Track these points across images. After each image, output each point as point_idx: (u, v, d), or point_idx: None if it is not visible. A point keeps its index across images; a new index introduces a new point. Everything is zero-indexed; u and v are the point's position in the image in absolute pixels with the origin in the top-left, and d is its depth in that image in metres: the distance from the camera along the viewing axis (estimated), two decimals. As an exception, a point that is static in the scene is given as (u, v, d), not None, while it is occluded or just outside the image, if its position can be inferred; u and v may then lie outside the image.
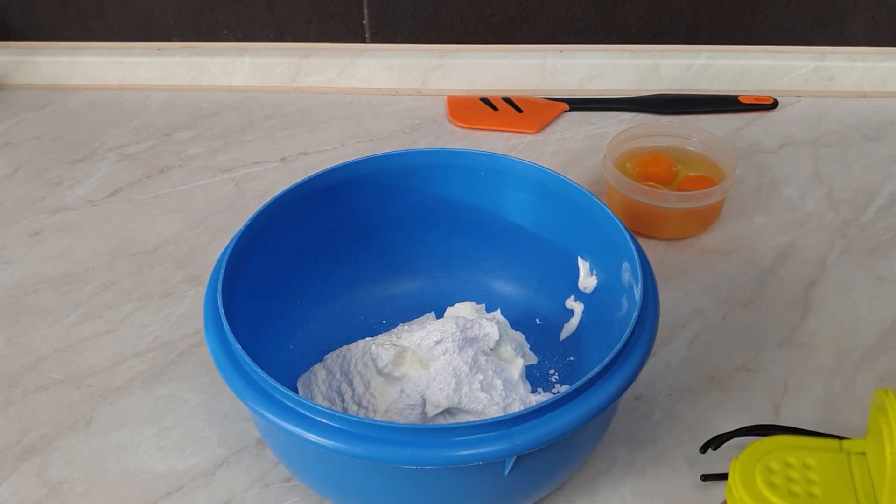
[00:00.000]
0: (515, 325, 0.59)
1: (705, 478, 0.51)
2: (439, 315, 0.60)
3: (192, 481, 0.52)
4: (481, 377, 0.52)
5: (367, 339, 0.56)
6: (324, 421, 0.42)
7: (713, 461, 0.52)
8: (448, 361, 0.52)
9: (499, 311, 0.60)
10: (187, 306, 0.65)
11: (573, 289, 0.59)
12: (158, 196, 0.77)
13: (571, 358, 0.58)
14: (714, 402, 0.57)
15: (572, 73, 0.88)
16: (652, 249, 0.68)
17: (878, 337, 0.61)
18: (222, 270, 0.49)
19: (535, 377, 0.57)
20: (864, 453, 0.33)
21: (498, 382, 0.52)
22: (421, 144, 0.82)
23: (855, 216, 0.73)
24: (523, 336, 0.59)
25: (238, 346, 0.44)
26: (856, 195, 0.75)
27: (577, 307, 0.59)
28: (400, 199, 0.60)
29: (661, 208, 0.68)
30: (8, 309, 0.65)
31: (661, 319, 0.49)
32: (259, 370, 0.43)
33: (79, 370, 0.60)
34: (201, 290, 0.66)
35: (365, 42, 0.90)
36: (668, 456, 0.53)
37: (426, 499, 0.47)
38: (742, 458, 0.32)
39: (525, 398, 0.53)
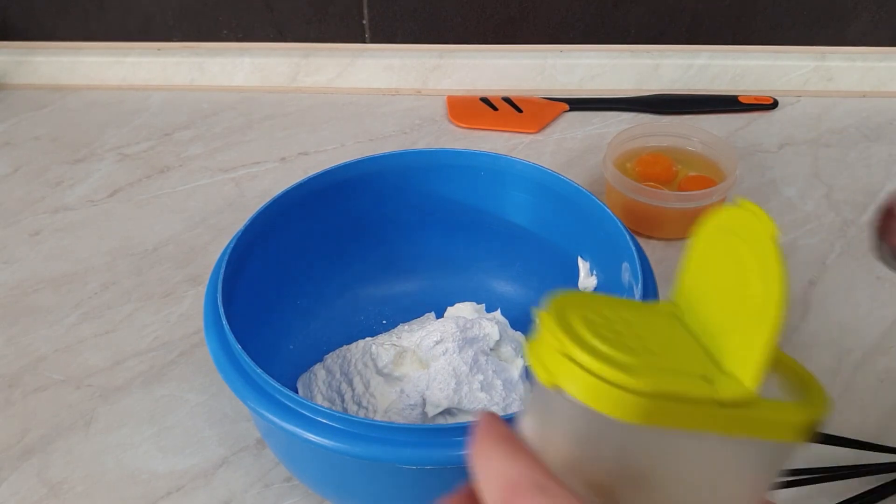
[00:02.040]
0: (515, 325, 0.59)
1: (705, 478, 0.51)
2: (439, 315, 0.60)
3: (192, 481, 0.52)
4: (481, 377, 0.52)
5: (367, 339, 0.56)
6: (324, 421, 0.42)
7: (713, 461, 0.52)
8: (448, 361, 0.52)
9: (499, 311, 0.60)
10: (187, 306, 0.65)
11: (573, 289, 0.59)
12: (158, 196, 0.77)
13: (571, 358, 0.58)
14: (714, 402, 0.57)
15: (572, 73, 0.88)
16: (652, 249, 0.68)
17: (878, 337, 0.61)
18: (222, 270, 0.49)
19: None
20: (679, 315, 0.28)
21: (498, 382, 0.52)
22: (421, 144, 0.82)
23: (855, 216, 0.73)
24: (523, 336, 0.59)
25: (238, 346, 0.44)
26: (856, 195, 0.75)
27: (577, 307, 0.59)
28: (400, 199, 0.60)
29: (661, 208, 0.68)
30: (8, 309, 0.65)
31: (661, 319, 0.49)
32: (259, 370, 0.43)
33: (79, 370, 0.60)
34: (201, 290, 0.66)
35: (365, 42, 0.90)
36: (668, 456, 0.53)
37: (426, 499, 0.47)
38: (553, 309, 0.25)
39: (525, 398, 0.53)
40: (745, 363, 0.25)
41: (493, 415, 0.26)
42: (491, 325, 0.55)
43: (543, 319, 0.25)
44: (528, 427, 0.26)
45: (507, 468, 0.24)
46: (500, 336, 0.55)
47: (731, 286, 0.26)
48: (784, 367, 0.28)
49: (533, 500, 0.23)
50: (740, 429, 0.24)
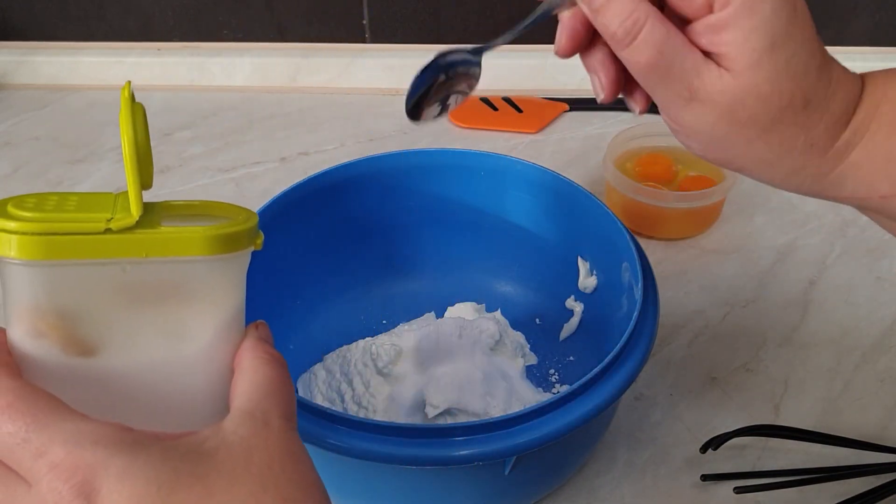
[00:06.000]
0: (515, 325, 0.59)
1: (705, 478, 0.51)
2: (439, 315, 0.60)
3: (192, 481, 0.52)
4: (481, 377, 0.52)
5: (367, 339, 0.56)
6: (324, 421, 0.42)
7: (713, 461, 0.52)
8: (448, 361, 0.52)
9: (499, 311, 0.60)
10: (187, 306, 0.65)
11: (573, 289, 0.59)
12: (158, 196, 0.76)
13: (571, 358, 0.58)
14: (714, 402, 0.57)
15: (572, 73, 0.88)
16: (652, 249, 0.68)
17: (878, 337, 0.61)
18: (222, 270, 0.48)
19: (535, 377, 0.57)
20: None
21: (498, 382, 0.52)
22: (421, 144, 0.82)
23: (855, 216, 0.72)
24: (523, 336, 0.59)
25: (238, 346, 0.44)
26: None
27: (577, 307, 0.59)
28: (400, 199, 0.60)
29: (661, 208, 0.68)
30: (8, 309, 0.65)
31: (661, 319, 0.49)
32: (259, 370, 0.43)
33: (79, 370, 0.60)
34: (201, 290, 0.66)
35: (365, 42, 0.90)
36: (668, 456, 0.53)
37: (426, 499, 0.47)
38: None
39: (525, 398, 0.53)
40: (131, 197, 0.31)
41: None
42: (491, 325, 0.55)
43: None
44: (6, 318, 0.31)
45: None
46: (500, 336, 0.55)
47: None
48: (212, 209, 0.35)
49: None
50: (139, 251, 0.30)
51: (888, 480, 0.50)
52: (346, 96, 0.90)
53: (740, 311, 0.64)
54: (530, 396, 0.53)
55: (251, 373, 0.32)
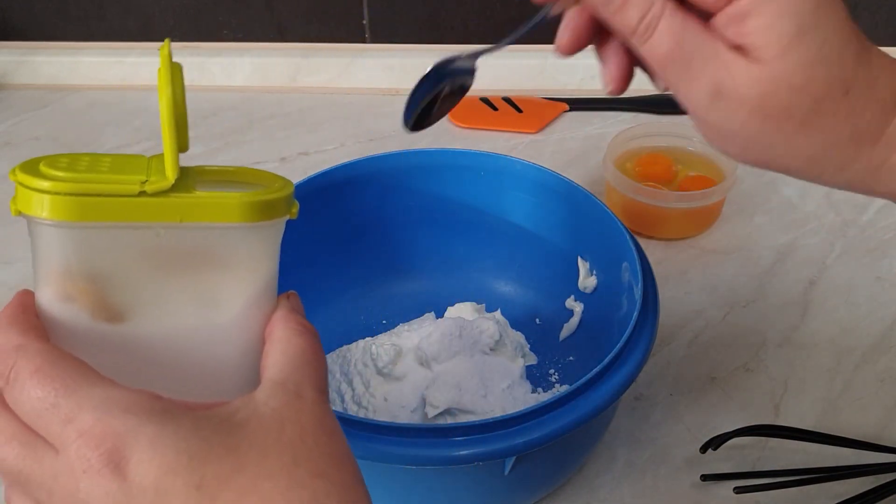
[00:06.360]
0: (515, 325, 0.59)
1: (705, 478, 0.51)
2: (439, 315, 0.60)
3: (192, 481, 0.52)
4: (481, 377, 0.52)
5: (367, 339, 0.56)
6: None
7: (713, 461, 0.52)
8: (448, 361, 0.52)
9: (499, 311, 0.60)
10: (187, 306, 0.65)
11: (573, 289, 0.59)
12: (158, 196, 0.77)
13: (571, 358, 0.58)
14: (714, 402, 0.57)
15: (572, 73, 0.88)
16: (652, 249, 0.68)
17: (878, 337, 0.61)
18: (222, 270, 0.48)
19: (535, 377, 0.57)
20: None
21: (498, 382, 0.52)
22: (421, 144, 0.82)
23: (855, 216, 0.73)
24: (523, 336, 0.59)
25: (238, 346, 0.44)
26: (856, 195, 0.74)
27: (577, 307, 0.59)
28: (400, 199, 0.60)
29: (661, 208, 0.68)
30: (8, 309, 0.65)
31: (661, 319, 0.49)
32: (259, 370, 0.43)
33: (79, 370, 0.60)
34: (201, 290, 0.66)
35: (365, 42, 0.90)
36: (668, 456, 0.53)
37: (426, 499, 0.47)
38: (28, 161, 0.30)
39: (525, 398, 0.53)
40: (167, 160, 0.30)
41: (21, 293, 0.30)
42: (491, 325, 0.55)
43: (13, 170, 0.29)
44: (35, 283, 0.30)
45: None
46: (500, 336, 0.55)
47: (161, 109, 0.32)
48: (247, 175, 0.33)
49: (10, 359, 0.28)
50: (173, 215, 0.29)
51: (888, 480, 0.50)
52: (346, 96, 0.90)
53: (740, 311, 0.64)
54: (530, 396, 0.53)
55: (284, 343, 0.31)
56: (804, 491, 0.50)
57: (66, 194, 0.28)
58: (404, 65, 0.89)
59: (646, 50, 0.34)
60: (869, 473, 0.51)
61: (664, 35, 0.33)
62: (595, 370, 0.43)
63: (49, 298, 0.30)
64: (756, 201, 0.75)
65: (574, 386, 0.43)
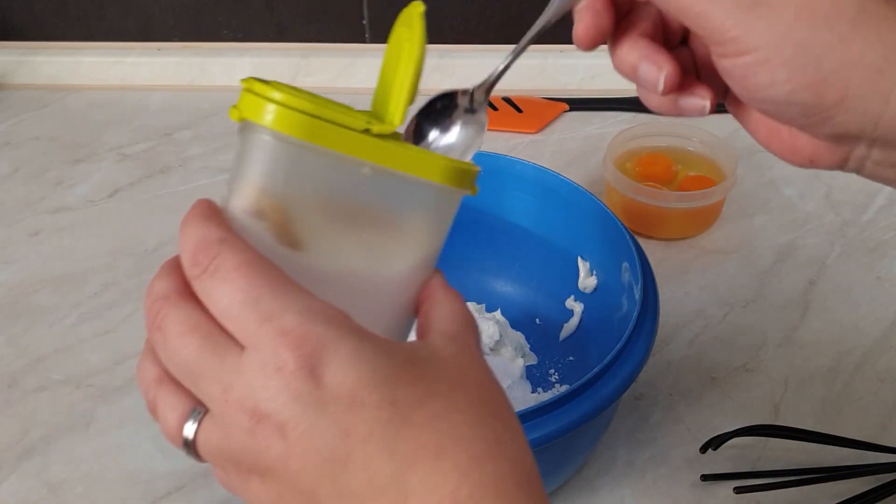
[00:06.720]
0: (515, 325, 0.59)
1: (705, 478, 0.51)
2: (439, 315, 0.59)
3: (192, 481, 0.52)
4: (481, 377, 0.52)
5: (367, 339, 0.56)
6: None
7: (713, 461, 0.52)
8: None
9: (499, 311, 0.60)
10: (187, 306, 0.65)
11: (573, 289, 0.59)
12: (158, 196, 0.77)
13: (571, 358, 0.58)
14: (714, 402, 0.57)
15: (572, 73, 0.88)
16: (652, 249, 0.68)
17: (878, 337, 0.61)
18: (222, 270, 0.48)
19: (535, 377, 0.57)
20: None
21: (498, 382, 0.52)
22: (421, 144, 0.82)
23: (855, 216, 0.73)
24: (523, 336, 0.59)
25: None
26: (856, 195, 0.75)
27: (577, 307, 0.59)
28: (400, 199, 0.60)
29: (661, 208, 0.68)
30: (8, 309, 0.65)
31: (661, 319, 0.49)
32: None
33: (79, 370, 0.60)
34: (201, 290, 0.66)
35: (365, 42, 0.90)
36: (668, 456, 0.53)
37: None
38: (255, 77, 0.31)
39: (525, 398, 0.53)
40: (394, 107, 0.31)
41: (204, 199, 0.30)
42: (491, 325, 0.55)
43: (245, 79, 0.30)
44: (226, 195, 0.31)
45: (198, 230, 0.28)
46: (500, 336, 0.55)
47: (395, 59, 0.34)
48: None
49: (212, 250, 0.28)
50: (386, 159, 0.30)
51: (888, 480, 0.50)
52: (347, 96, 0.89)
53: (740, 311, 0.64)
54: (530, 396, 0.53)
55: (449, 305, 0.32)
56: (804, 491, 0.50)
57: (298, 110, 0.29)
58: (404, 65, 0.89)
59: None
60: (869, 473, 0.51)
61: None
62: (595, 370, 0.43)
63: (240, 211, 0.30)
64: (756, 201, 0.74)
65: (574, 386, 0.43)
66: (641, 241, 0.57)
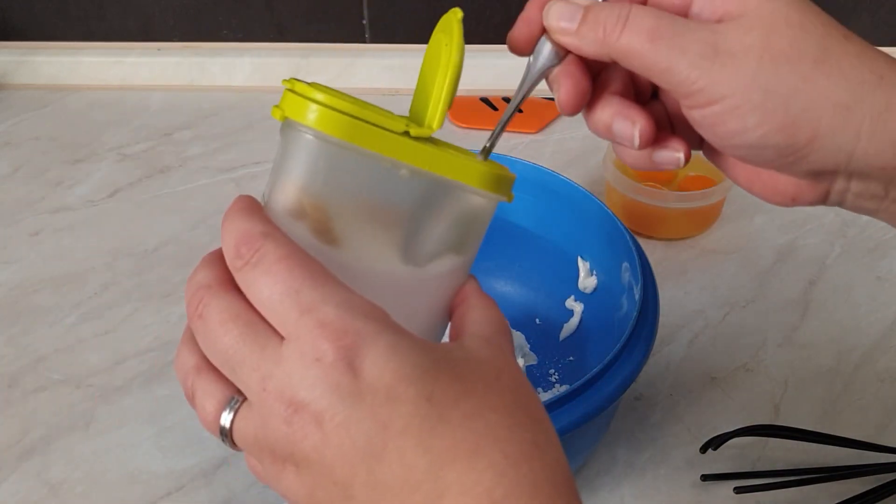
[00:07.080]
0: (515, 325, 0.59)
1: (705, 478, 0.51)
2: (439, 315, 0.60)
3: (192, 481, 0.52)
4: (481, 377, 0.52)
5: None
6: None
7: (713, 461, 0.52)
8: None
9: (499, 311, 0.59)
10: (187, 306, 0.65)
11: (573, 289, 0.59)
12: (158, 196, 0.77)
13: (571, 358, 0.58)
14: (714, 402, 0.57)
15: (572, 73, 0.88)
16: (652, 249, 0.68)
17: (878, 337, 0.61)
18: (222, 270, 0.48)
19: (535, 377, 0.57)
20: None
21: (498, 382, 0.52)
22: (421, 144, 0.82)
23: (855, 216, 0.72)
24: (523, 336, 0.59)
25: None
26: (856, 195, 0.75)
27: (577, 307, 0.59)
28: (400, 199, 0.60)
29: (661, 208, 0.68)
30: (8, 309, 0.65)
31: (661, 319, 0.49)
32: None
33: (79, 370, 0.60)
34: (201, 290, 0.65)
35: (365, 42, 0.90)
36: (668, 456, 0.53)
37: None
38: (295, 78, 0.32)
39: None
40: (433, 111, 0.32)
41: (246, 195, 0.31)
42: (491, 325, 0.55)
43: (287, 80, 0.31)
44: (266, 192, 0.32)
45: (242, 224, 0.29)
46: (500, 336, 0.55)
47: (434, 64, 0.34)
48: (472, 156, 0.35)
49: (255, 243, 0.28)
50: (425, 161, 0.31)
51: (888, 480, 0.50)
52: (346, 96, 0.90)
53: (740, 311, 0.64)
54: (530, 396, 0.53)
55: (484, 309, 0.32)
56: (804, 491, 0.50)
57: (340, 111, 0.30)
58: (404, 65, 0.89)
59: (625, 40, 0.32)
60: (869, 473, 0.51)
61: (641, 18, 0.32)
62: (595, 370, 0.43)
63: (281, 208, 0.31)
64: (756, 201, 0.74)
65: (574, 386, 0.43)
66: (641, 241, 0.57)
